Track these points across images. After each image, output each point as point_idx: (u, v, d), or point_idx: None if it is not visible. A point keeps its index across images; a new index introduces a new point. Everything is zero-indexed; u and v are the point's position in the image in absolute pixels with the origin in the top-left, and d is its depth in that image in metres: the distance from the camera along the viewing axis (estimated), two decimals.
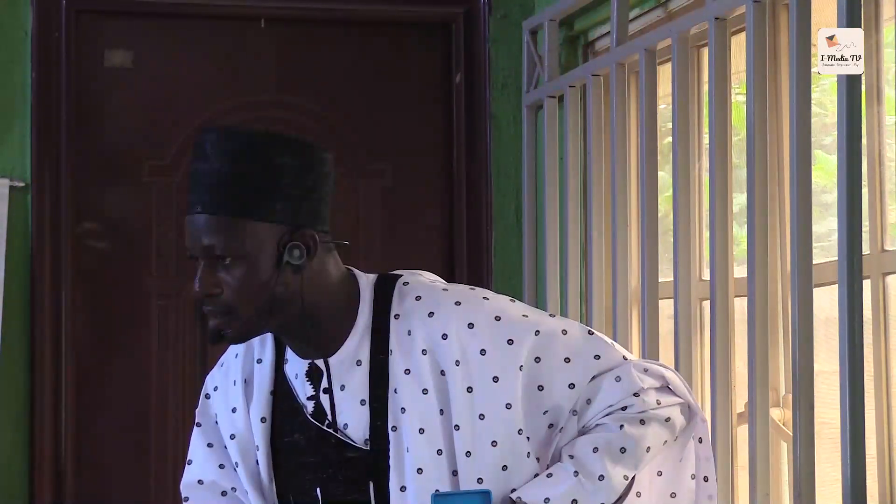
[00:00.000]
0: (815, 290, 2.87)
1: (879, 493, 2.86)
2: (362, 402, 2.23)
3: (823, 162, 3.10)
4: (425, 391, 2.20)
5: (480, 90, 4.39)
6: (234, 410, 2.33)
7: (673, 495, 2.33)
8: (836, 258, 2.74)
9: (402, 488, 2.20)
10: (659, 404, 2.26)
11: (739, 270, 3.25)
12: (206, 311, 2.20)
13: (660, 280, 3.55)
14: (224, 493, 2.35)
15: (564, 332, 2.27)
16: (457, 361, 2.20)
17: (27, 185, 4.16)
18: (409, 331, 2.23)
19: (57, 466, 4.15)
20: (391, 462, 2.20)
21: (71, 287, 4.19)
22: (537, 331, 2.24)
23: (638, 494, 2.28)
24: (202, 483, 2.36)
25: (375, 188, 4.41)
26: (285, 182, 2.19)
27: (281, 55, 4.38)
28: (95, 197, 4.27)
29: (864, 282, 2.73)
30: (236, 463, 2.32)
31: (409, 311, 2.24)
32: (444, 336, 2.21)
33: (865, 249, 2.78)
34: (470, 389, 2.20)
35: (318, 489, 2.24)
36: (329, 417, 2.25)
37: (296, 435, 2.27)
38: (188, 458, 2.40)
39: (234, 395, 2.33)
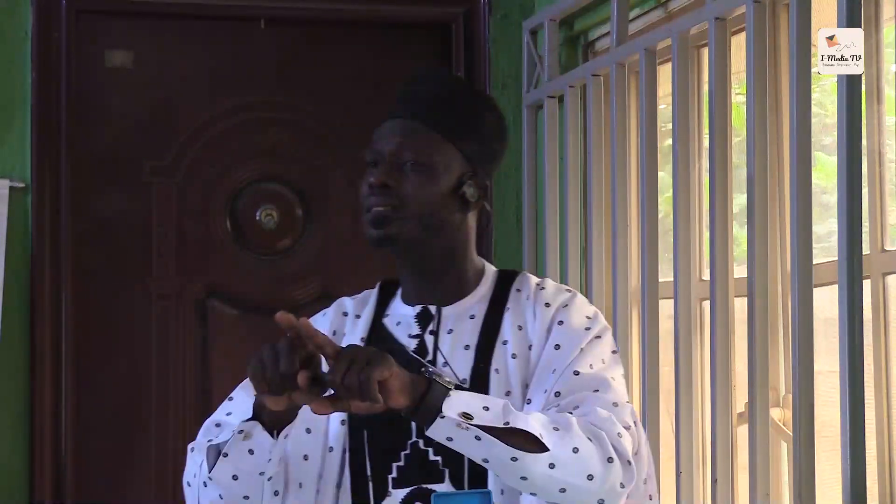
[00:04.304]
0: (815, 290, 2.88)
1: (879, 493, 2.86)
2: (466, 347, 2.30)
3: (823, 162, 3.10)
4: (530, 347, 2.30)
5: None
6: None
7: None
8: (836, 258, 2.74)
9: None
10: (620, 437, 2.20)
11: (739, 270, 3.25)
12: (374, 203, 2.28)
13: (660, 280, 3.55)
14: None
15: (615, 351, 2.37)
16: (548, 329, 2.30)
17: (27, 186, 4.16)
18: (528, 297, 2.34)
19: (57, 466, 4.15)
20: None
21: (71, 287, 4.19)
22: (598, 336, 2.33)
23: (552, 466, 2.18)
24: (230, 414, 2.34)
25: None
26: (486, 132, 2.33)
27: (281, 55, 4.38)
28: (96, 197, 4.27)
29: (864, 282, 2.74)
30: None
31: (529, 287, 2.36)
32: (547, 305, 2.32)
33: (865, 249, 2.78)
34: (559, 347, 2.28)
35: (413, 422, 2.26)
36: (430, 356, 2.31)
37: None
38: (230, 395, 2.38)
39: None
